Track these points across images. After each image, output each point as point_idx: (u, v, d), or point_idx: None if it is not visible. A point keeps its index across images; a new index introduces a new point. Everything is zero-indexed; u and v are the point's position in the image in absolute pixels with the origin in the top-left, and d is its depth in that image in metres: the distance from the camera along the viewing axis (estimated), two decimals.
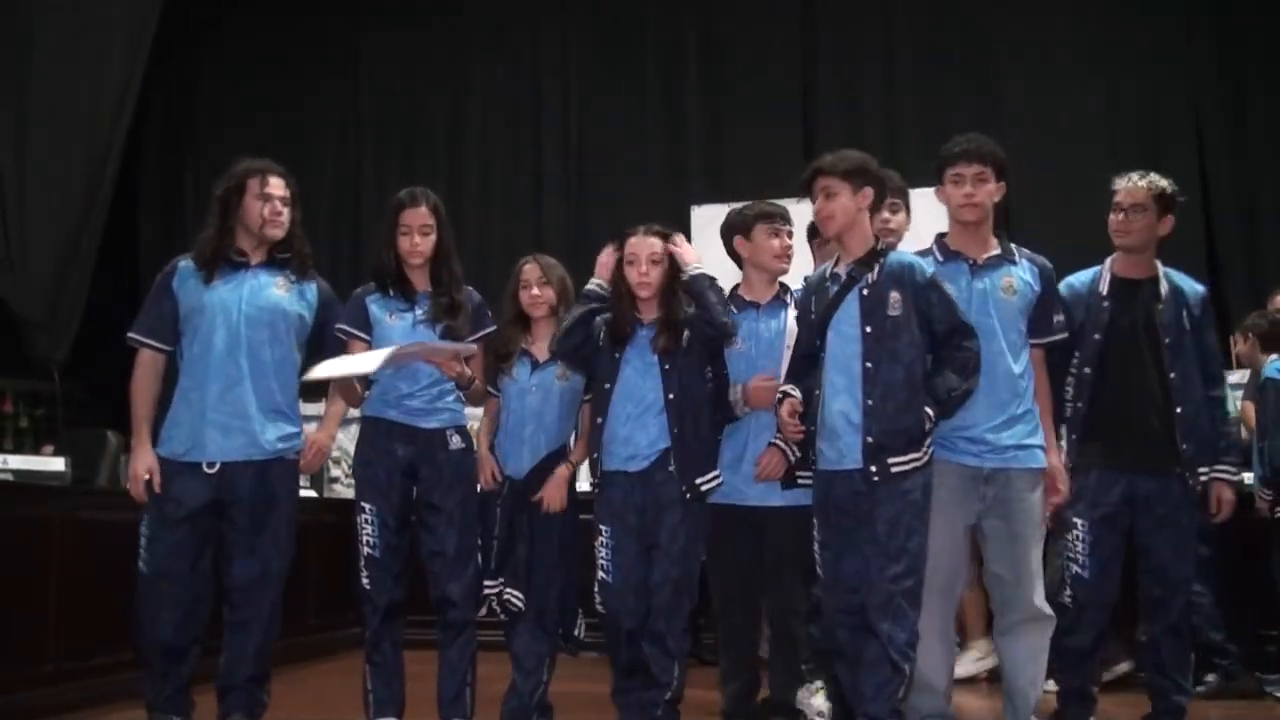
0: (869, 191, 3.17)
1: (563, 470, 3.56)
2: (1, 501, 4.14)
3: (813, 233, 3.84)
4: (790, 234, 3.57)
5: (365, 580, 3.52)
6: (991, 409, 3.22)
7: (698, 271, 3.43)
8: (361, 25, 8.86)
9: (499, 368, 3.67)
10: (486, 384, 3.68)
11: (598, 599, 3.45)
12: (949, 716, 3.32)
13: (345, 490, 6.54)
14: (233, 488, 3.42)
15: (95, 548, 4.32)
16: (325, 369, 3.43)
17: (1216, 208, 7.23)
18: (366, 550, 3.51)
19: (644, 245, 3.45)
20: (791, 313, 3.51)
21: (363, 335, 3.60)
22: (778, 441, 3.37)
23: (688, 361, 3.41)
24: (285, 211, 3.53)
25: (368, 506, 3.52)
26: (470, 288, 3.72)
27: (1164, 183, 3.58)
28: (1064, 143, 7.39)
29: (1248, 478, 4.57)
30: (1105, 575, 3.46)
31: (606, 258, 3.54)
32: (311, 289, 3.64)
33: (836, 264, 3.24)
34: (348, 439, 4.35)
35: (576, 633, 3.66)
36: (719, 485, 3.42)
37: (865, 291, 3.12)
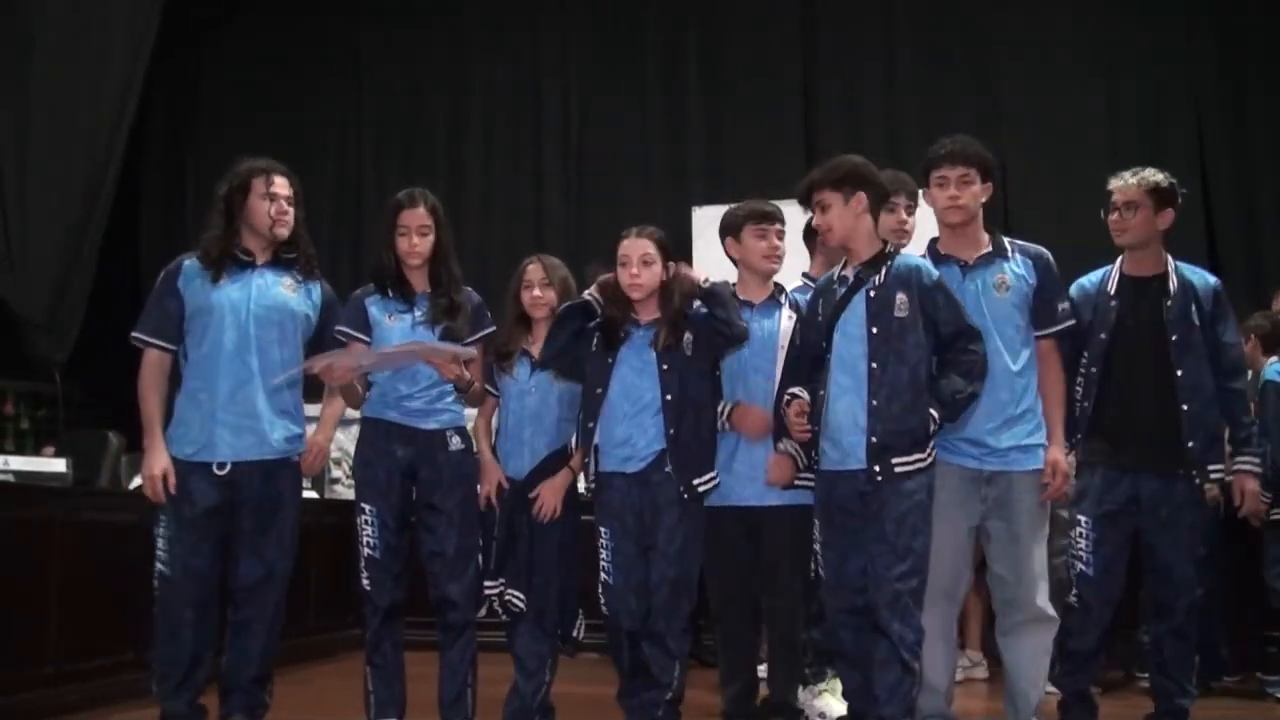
0: (862, 196, 3.18)
1: (561, 477, 3.55)
2: (2, 502, 4.14)
3: (808, 234, 3.84)
4: (780, 234, 3.56)
5: (365, 581, 3.52)
6: (990, 409, 3.22)
7: (712, 283, 3.40)
8: (362, 25, 8.86)
9: (499, 367, 3.68)
10: (486, 384, 3.68)
11: (601, 600, 3.46)
12: (950, 717, 3.33)
13: (346, 491, 6.54)
14: (240, 488, 3.43)
15: (96, 549, 4.32)
16: (325, 359, 3.40)
17: (1217, 208, 7.22)
18: (366, 551, 3.51)
19: (635, 246, 3.44)
20: (786, 313, 3.51)
21: (362, 337, 3.60)
22: (788, 449, 3.36)
23: (690, 363, 3.40)
24: (291, 211, 3.53)
25: (367, 507, 3.52)
26: (470, 289, 3.72)
27: (1158, 177, 3.57)
28: (1064, 143, 7.39)
29: None
30: (1109, 573, 3.46)
31: (603, 281, 3.51)
32: (316, 289, 3.65)
33: (844, 266, 3.26)
34: (349, 440, 4.35)
35: (576, 634, 3.66)
36: (716, 486, 3.41)
37: (872, 293, 3.14)
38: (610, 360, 3.43)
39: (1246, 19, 7.36)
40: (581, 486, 3.61)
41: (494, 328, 3.74)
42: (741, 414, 3.43)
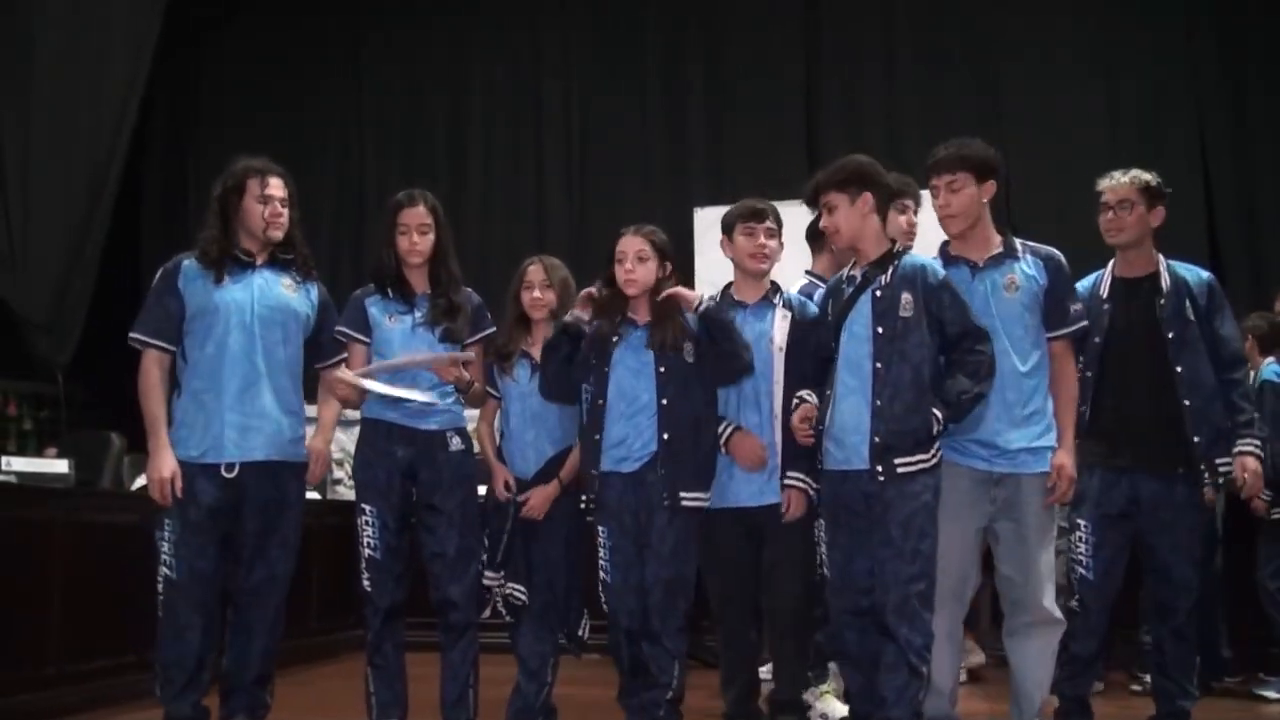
0: (868, 196, 3.18)
1: (551, 487, 3.56)
2: (5, 503, 4.14)
3: (812, 233, 3.84)
4: (769, 232, 3.52)
5: (366, 582, 3.52)
6: (998, 410, 3.21)
7: (706, 306, 3.38)
8: (362, 25, 8.87)
9: (500, 369, 3.68)
10: (486, 386, 3.69)
11: (602, 599, 3.47)
12: (954, 719, 3.33)
13: (348, 492, 6.54)
14: (246, 489, 3.41)
15: (98, 550, 4.32)
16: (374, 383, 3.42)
17: (1219, 208, 7.23)
18: (367, 552, 3.51)
19: (631, 243, 3.44)
20: (780, 314, 3.49)
21: (362, 338, 3.60)
22: (799, 484, 3.34)
23: (691, 370, 3.39)
24: (285, 213, 3.52)
25: (368, 508, 3.52)
26: (469, 289, 3.72)
27: (1147, 176, 3.58)
28: (1065, 143, 7.40)
29: None
30: (1109, 576, 3.47)
31: (585, 297, 3.50)
32: (313, 290, 3.64)
33: (853, 266, 3.26)
34: (350, 440, 4.35)
35: (581, 633, 3.67)
36: (702, 507, 3.40)
37: (878, 293, 3.14)
38: (606, 370, 3.43)
39: (1247, 19, 7.36)
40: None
41: (494, 328, 3.74)
42: (739, 442, 3.42)
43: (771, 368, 3.42)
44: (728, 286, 3.61)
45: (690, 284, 6.35)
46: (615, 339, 3.44)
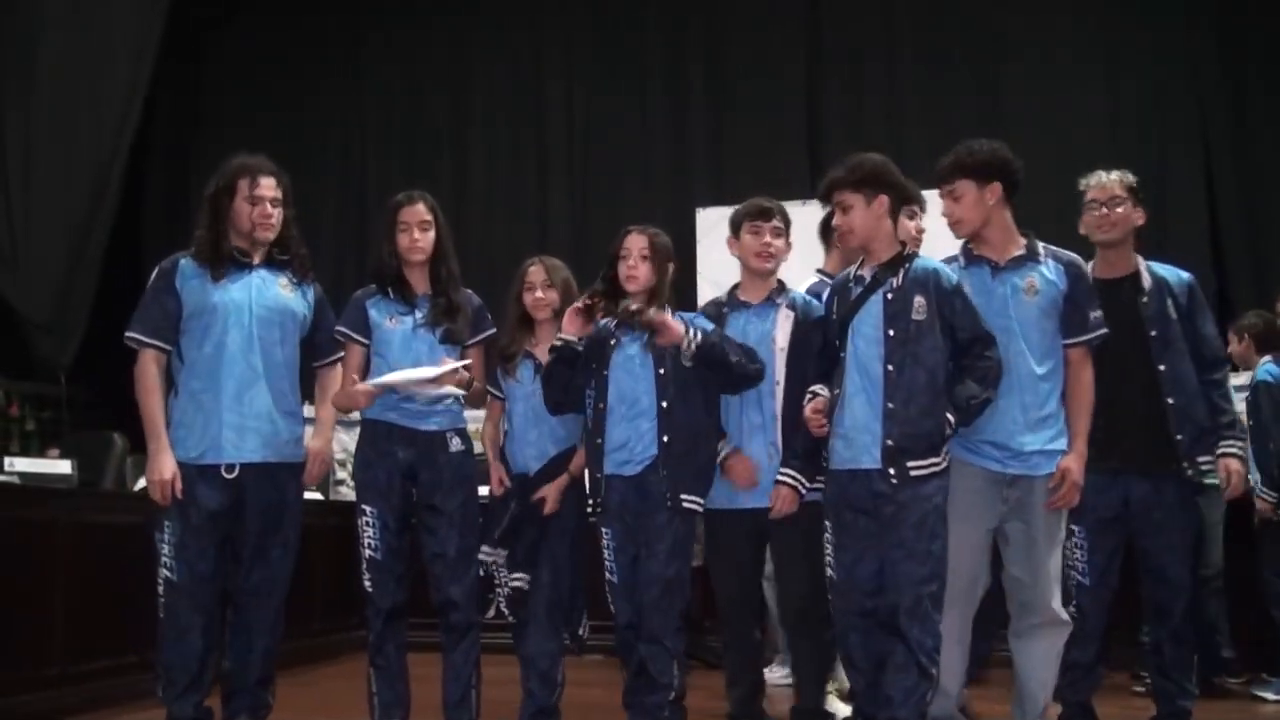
0: (884, 199, 3.17)
1: (563, 479, 3.56)
2: (8, 504, 4.15)
3: (825, 229, 3.83)
4: (775, 231, 3.50)
5: (367, 583, 3.52)
6: (1013, 412, 3.19)
7: (697, 340, 3.34)
8: (363, 25, 8.88)
9: (503, 370, 3.68)
10: (489, 385, 3.70)
11: (609, 600, 3.48)
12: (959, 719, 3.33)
13: (350, 493, 6.52)
14: (247, 491, 3.41)
15: (100, 550, 4.32)
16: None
17: (1221, 208, 7.23)
18: (368, 553, 3.51)
19: (636, 241, 3.47)
20: (784, 313, 3.48)
21: (361, 339, 3.60)
22: (790, 480, 3.32)
23: (691, 374, 3.39)
24: (275, 213, 3.48)
25: (368, 509, 3.52)
26: (469, 291, 3.72)
27: (1131, 176, 3.61)
28: (1066, 143, 7.39)
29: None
30: (1104, 581, 3.48)
31: (572, 314, 3.50)
32: (310, 290, 3.63)
33: (861, 266, 3.26)
34: (352, 440, 4.35)
35: (581, 631, 3.67)
36: (699, 510, 3.42)
37: (889, 295, 3.14)
38: (605, 372, 3.45)
39: (1247, 19, 7.36)
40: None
41: (494, 329, 3.74)
42: (734, 464, 3.41)
43: (774, 368, 3.42)
44: (735, 287, 3.61)
45: (691, 284, 6.41)
46: (614, 342, 3.45)
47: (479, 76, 8.63)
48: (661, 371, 3.39)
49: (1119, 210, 3.56)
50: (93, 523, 4.37)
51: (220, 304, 3.41)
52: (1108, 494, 3.44)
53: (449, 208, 3.71)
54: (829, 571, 3.22)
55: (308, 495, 3.77)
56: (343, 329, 3.62)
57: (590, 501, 3.49)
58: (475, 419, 3.80)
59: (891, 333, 3.10)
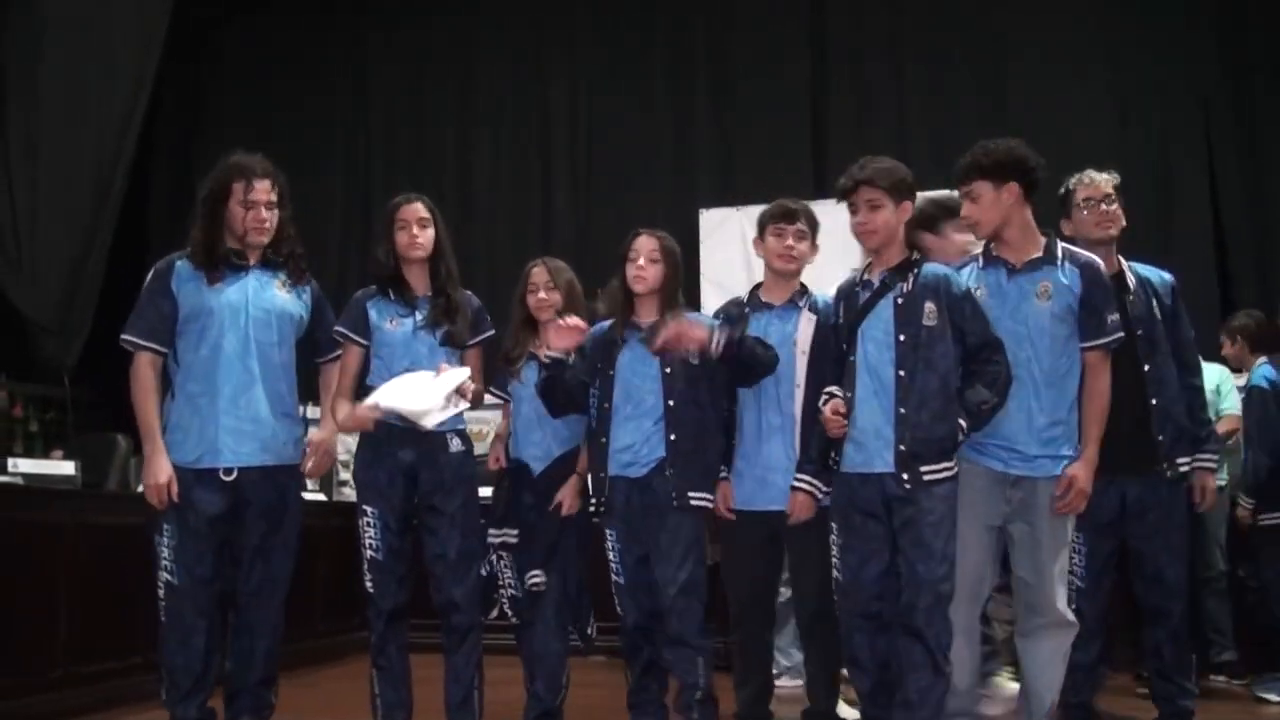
0: (908, 205, 3.20)
1: (574, 480, 3.58)
2: (11, 505, 4.16)
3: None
4: (799, 235, 3.48)
5: (369, 583, 3.53)
6: (1021, 415, 3.18)
7: (723, 339, 3.33)
8: (366, 25, 8.88)
9: (508, 371, 3.69)
10: (490, 386, 3.71)
11: (616, 601, 3.49)
12: (975, 715, 3.33)
13: (353, 494, 6.53)
14: (246, 494, 3.41)
15: (104, 551, 4.33)
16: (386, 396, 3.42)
17: (1224, 207, 7.21)
18: (369, 554, 3.52)
19: (645, 243, 3.49)
20: (805, 316, 3.47)
21: (360, 340, 3.60)
22: (806, 486, 3.32)
23: (697, 371, 3.39)
24: (270, 217, 3.47)
25: (369, 510, 3.53)
26: (468, 292, 3.73)
27: (1116, 175, 3.67)
28: (1067, 142, 7.35)
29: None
30: (1102, 584, 3.50)
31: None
32: (306, 291, 3.63)
33: (868, 270, 3.25)
34: (353, 440, 4.36)
35: (589, 631, 3.68)
36: (709, 506, 3.42)
37: (899, 300, 3.14)
38: (611, 372, 3.46)
39: (1248, 18, 7.34)
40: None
41: (493, 331, 3.76)
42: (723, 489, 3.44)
43: (794, 370, 3.41)
44: (757, 287, 3.60)
45: (695, 285, 6.40)
46: (620, 342, 3.45)
47: (481, 76, 8.62)
48: (668, 370, 3.40)
49: (1114, 207, 3.58)
50: (96, 524, 4.38)
51: (216, 307, 3.41)
52: (1104, 498, 3.42)
53: (452, 208, 3.73)
54: (834, 573, 3.22)
55: (310, 496, 3.77)
56: (341, 329, 3.63)
57: (593, 501, 3.49)
58: (475, 419, 3.81)
59: (903, 338, 3.11)
